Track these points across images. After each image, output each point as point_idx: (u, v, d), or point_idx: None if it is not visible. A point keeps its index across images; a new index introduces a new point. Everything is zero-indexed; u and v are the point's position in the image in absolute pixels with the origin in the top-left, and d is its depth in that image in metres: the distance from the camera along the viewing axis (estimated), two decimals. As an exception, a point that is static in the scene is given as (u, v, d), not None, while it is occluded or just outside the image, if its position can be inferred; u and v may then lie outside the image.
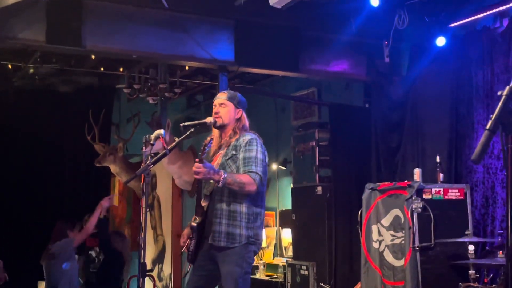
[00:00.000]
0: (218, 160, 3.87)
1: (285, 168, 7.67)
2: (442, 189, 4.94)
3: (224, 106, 3.91)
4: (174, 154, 7.86)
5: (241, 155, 3.78)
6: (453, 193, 4.98)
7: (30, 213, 9.01)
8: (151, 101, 7.50)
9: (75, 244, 6.43)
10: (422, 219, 4.77)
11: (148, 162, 3.56)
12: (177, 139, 3.87)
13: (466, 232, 4.69)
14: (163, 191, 9.88)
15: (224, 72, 5.71)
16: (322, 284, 6.10)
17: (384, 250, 5.08)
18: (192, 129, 3.82)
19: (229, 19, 5.59)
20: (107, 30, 5.22)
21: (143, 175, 3.49)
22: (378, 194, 5.19)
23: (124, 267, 7.50)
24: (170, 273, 9.41)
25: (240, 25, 5.58)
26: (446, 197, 4.94)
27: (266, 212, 4.03)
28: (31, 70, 7.80)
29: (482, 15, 5.24)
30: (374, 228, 5.18)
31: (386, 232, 5.06)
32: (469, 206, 5.00)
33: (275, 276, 7.05)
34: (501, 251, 4.29)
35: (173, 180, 9.08)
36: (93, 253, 6.99)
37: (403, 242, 4.86)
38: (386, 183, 5.22)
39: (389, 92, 6.21)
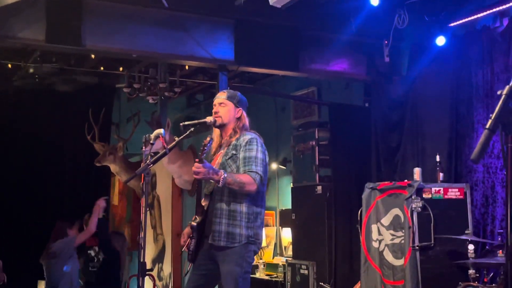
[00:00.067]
0: (218, 160, 3.87)
1: (285, 168, 7.67)
2: (442, 189, 4.93)
3: (223, 105, 3.90)
4: (174, 153, 7.86)
5: (241, 155, 3.77)
6: (453, 193, 4.97)
7: (30, 213, 9.00)
8: (151, 101, 7.49)
9: (77, 243, 6.42)
10: (422, 219, 4.77)
11: (148, 161, 3.55)
12: (177, 139, 3.86)
13: (466, 232, 4.68)
14: (163, 190, 9.87)
15: (224, 71, 5.71)
16: (322, 284, 6.10)
17: (384, 249, 5.08)
18: (192, 129, 3.81)
19: (229, 18, 5.59)
20: (107, 29, 5.22)
21: (143, 174, 3.49)
22: (378, 194, 5.19)
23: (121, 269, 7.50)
24: (170, 273, 9.40)
25: (240, 25, 5.58)
26: (446, 196, 4.94)
27: (266, 211, 4.02)
28: (31, 70, 7.79)
29: (482, 14, 5.25)
30: (374, 227, 5.18)
31: (386, 232, 5.06)
32: (469, 206, 4.99)
33: (275, 275, 7.05)
34: (501, 251, 4.29)
35: (173, 179, 9.07)
36: (92, 252, 7.00)
37: (403, 241, 4.86)
38: (386, 182, 5.22)
39: (389, 92, 6.21)
